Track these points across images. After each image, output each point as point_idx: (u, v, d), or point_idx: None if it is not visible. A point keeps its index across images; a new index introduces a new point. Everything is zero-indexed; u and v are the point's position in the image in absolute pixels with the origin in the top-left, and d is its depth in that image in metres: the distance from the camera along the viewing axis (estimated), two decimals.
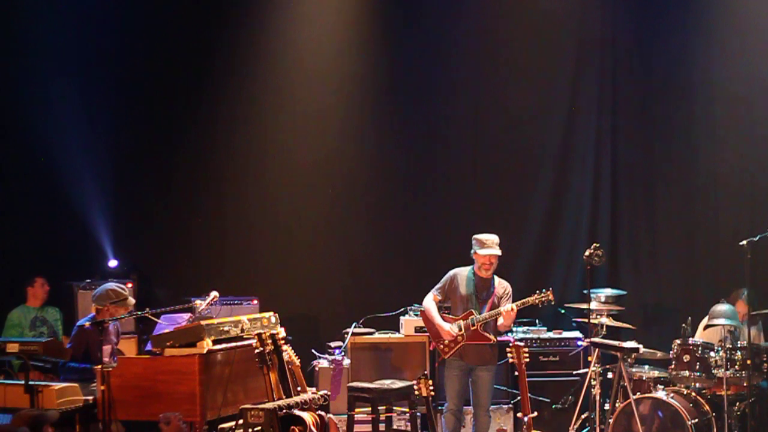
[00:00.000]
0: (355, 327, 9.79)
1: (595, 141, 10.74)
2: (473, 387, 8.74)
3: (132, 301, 8.84)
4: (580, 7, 10.75)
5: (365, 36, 10.68)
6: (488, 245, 8.67)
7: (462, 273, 8.82)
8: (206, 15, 10.49)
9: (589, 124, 10.76)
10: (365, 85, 10.67)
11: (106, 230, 10.23)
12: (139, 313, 8.58)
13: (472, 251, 8.74)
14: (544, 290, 8.58)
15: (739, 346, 8.66)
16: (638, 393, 8.74)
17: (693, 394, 8.76)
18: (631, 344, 8.76)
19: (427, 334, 9.14)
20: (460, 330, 8.64)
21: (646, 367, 9.18)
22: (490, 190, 10.78)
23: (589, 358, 9.07)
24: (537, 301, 8.58)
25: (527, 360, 7.71)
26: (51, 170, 10.23)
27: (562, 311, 9.96)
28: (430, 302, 8.83)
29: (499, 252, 8.67)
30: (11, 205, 10.13)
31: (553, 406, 9.64)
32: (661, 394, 8.68)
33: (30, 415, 6.71)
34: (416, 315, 9.65)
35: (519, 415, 7.70)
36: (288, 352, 7.89)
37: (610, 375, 9.04)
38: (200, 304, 8.38)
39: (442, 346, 8.74)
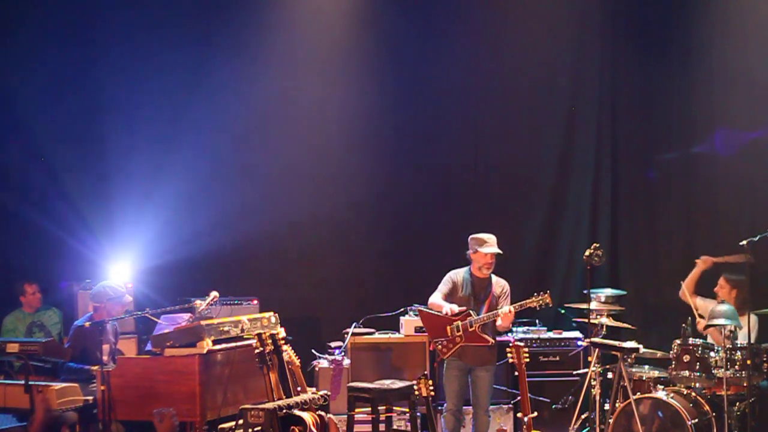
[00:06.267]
0: (355, 327, 9.79)
1: (595, 141, 10.76)
2: (472, 387, 8.74)
3: (129, 298, 8.86)
4: (579, 7, 10.76)
5: (366, 36, 10.68)
6: (489, 243, 8.67)
7: (459, 275, 8.81)
8: (202, 16, 10.50)
9: (589, 124, 10.77)
10: (365, 84, 10.67)
11: (105, 230, 10.22)
12: (139, 313, 8.60)
13: (471, 251, 8.73)
14: (541, 293, 8.57)
15: (739, 345, 8.66)
16: (638, 393, 8.74)
17: (693, 394, 8.75)
18: (631, 344, 8.76)
19: (427, 334, 9.13)
20: (459, 331, 8.64)
21: (646, 367, 9.18)
22: (490, 190, 10.80)
23: (589, 358, 9.08)
24: (535, 303, 8.57)
25: (527, 360, 7.71)
26: (49, 169, 10.24)
27: (562, 311, 9.96)
28: (437, 297, 8.79)
29: (500, 251, 8.67)
30: (6, 206, 10.12)
31: (553, 406, 9.64)
32: (661, 394, 8.67)
33: (48, 416, 6.73)
34: (416, 315, 9.64)
35: (519, 415, 7.71)
36: (288, 352, 7.90)
37: (610, 375, 9.04)
38: (200, 304, 8.38)
39: (440, 346, 8.73)
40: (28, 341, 8.45)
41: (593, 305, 9.24)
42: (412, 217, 10.74)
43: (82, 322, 8.53)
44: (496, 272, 8.81)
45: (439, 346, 8.74)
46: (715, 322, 8.77)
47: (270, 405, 7.39)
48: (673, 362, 8.81)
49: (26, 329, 9.62)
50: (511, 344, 7.79)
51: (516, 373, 8.04)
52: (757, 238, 8.67)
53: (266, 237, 10.48)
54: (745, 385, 8.62)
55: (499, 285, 8.80)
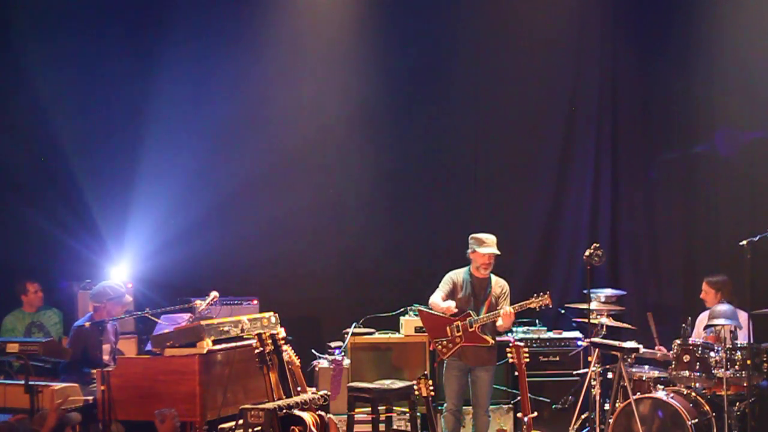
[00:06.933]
0: (355, 327, 9.79)
1: (595, 141, 10.75)
2: (472, 387, 8.74)
3: (129, 298, 8.85)
4: (579, 7, 10.75)
5: (367, 36, 10.68)
6: (488, 244, 8.67)
7: (458, 275, 8.81)
8: (199, 23, 10.50)
9: (589, 124, 10.77)
10: (366, 85, 10.66)
11: (105, 230, 10.22)
12: (139, 313, 8.60)
13: (470, 250, 8.73)
14: (541, 294, 8.57)
15: (739, 345, 8.65)
16: (638, 393, 8.74)
17: (693, 394, 8.75)
18: (631, 344, 8.76)
19: (427, 334, 9.13)
20: (459, 331, 8.64)
21: (646, 367, 9.18)
22: (490, 190, 10.79)
23: (589, 358, 9.08)
24: (535, 304, 8.57)
25: (527, 360, 7.72)
26: (49, 169, 10.24)
27: (562, 311, 9.96)
28: (437, 297, 8.80)
29: (498, 252, 8.67)
30: (6, 206, 10.12)
31: (553, 406, 9.64)
32: (661, 394, 8.67)
33: (58, 418, 6.74)
34: (416, 315, 9.64)
35: (519, 415, 7.71)
36: (288, 352, 7.90)
37: (610, 375, 9.04)
38: (200, 304, 8.38)
39: (440, 347, 8.73)
40: (28, 341, 8.44)
41: (593, 305, 9.24)
42: (412, 216, 10.74)
43: (82, 322, 8.52)
44: (496, 272, 8.81)
45: (439, 347, 8.74)
46: (716, 322, 8.77)
47: (270, 405, 7.39)
48: (673, 362, 8.81)
49: (25, 329, 9.61)
50: (511, 344, 7.79)
51: (516, 373, 8.04)
52: (757, 238, 8.66)
53: (266, 237, 10.47)
54: (745, 385, 8.62)
55: (499, 285, 8.80)
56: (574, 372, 9.66)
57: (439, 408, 9.09)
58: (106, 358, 8.30)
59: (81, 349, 8.38)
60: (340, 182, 10.71)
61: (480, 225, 9.06)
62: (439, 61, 10.72)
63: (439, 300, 8.74)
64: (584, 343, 9.47)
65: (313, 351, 9.66)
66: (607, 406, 8.94)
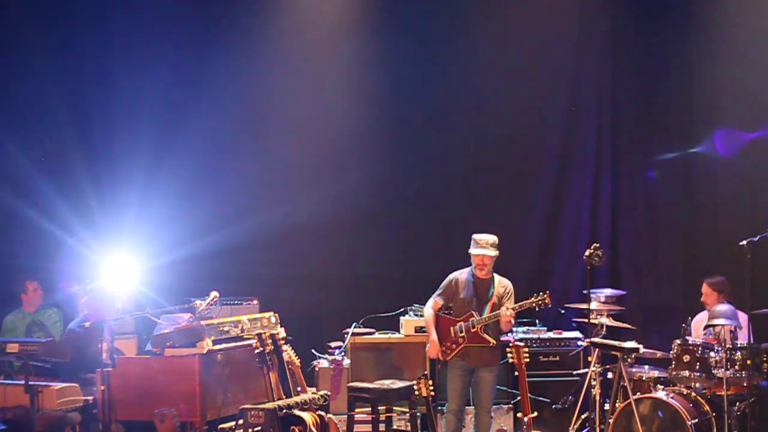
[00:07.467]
0: (355, 327, 9.80)
1: (595, 141, 10.75)
2: (475, 388, 8.73)
3: (118, 305, 8.83)
4: (580, 7, 10.76)
5: (366, 37, 10.68)
6: (481, 245, 8.66)
7: (461, 276, 8.81)
8: (201, 22, 10.49)
9: (589, 124, 10.77)
10: (365, 85, 10.67)
11: (105, 230, 10.22)
12: (140, 313, 8.60)
13: (469, 250, 8.74)
14: (541, 293, 8.57)
15: (739, 346, 8.65)
16: (638, 393, 8.74)
17: (693, 394, 8.75)
18: (631, 344, 8.75)
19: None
20: (461, 332, 8.64)
21: (646, 367, 9.18)
22: (490, 190, 10.79)
23: (589, 358, 9.07)
24: (534, 304, 8.57)
25: (527, 360, 7.72)
26: (49, 169, 10.24)
27: (562, 311, 9.96)
28: (429, 310, 8.82)
29: (490, 253, 8.64)
30: (6, 206, 10.12)
31: (553, 406, 9.64)
32: (661, 394, 8.67)
33: (53, 416, 6.73)
34: (416, 315, 9.67)
35: (519, 415, 7.71)
36: (288, 352, 7.91)
37: (610, 375, 9.04)
38: (200, 304, 8.38)
39: (443, 348, 8.73)
40: (28, 341, 8.46)
41: (593, 305, 9.24)
42: (412, 216, 10.74)
43: (75, 325, 8.52)
44: (497, 272, 8.81)
45: (443, 347, 8.74)
46: (715, 322, 8.77)
47: (270, 405, 7.40)
48: (673, 362, 8.81)
49: (26, 329, 9.61)
50: (511, 344, 7.80)
51: (516, 373, 8.04)
52: (757, 238, 8.66)
53: (266, 237, 10.46)
54: (745, 385, 8.62)
55: (502, 285, 8.79)
56: (574, 372, 9.66)
57: (440, 408, 9.09)
58: (103, 356, 8.29)
59: (75, 352, 8.37)
60: (339, 182, 10.70)
61: (480, 225, 9.05)
62: (439, 61, 10.71)
63: (430, 315, 8.77)
64: (584, 343, 9.47)
65: (313, 351, 9.66)
66: (607, 406, 8.94)
